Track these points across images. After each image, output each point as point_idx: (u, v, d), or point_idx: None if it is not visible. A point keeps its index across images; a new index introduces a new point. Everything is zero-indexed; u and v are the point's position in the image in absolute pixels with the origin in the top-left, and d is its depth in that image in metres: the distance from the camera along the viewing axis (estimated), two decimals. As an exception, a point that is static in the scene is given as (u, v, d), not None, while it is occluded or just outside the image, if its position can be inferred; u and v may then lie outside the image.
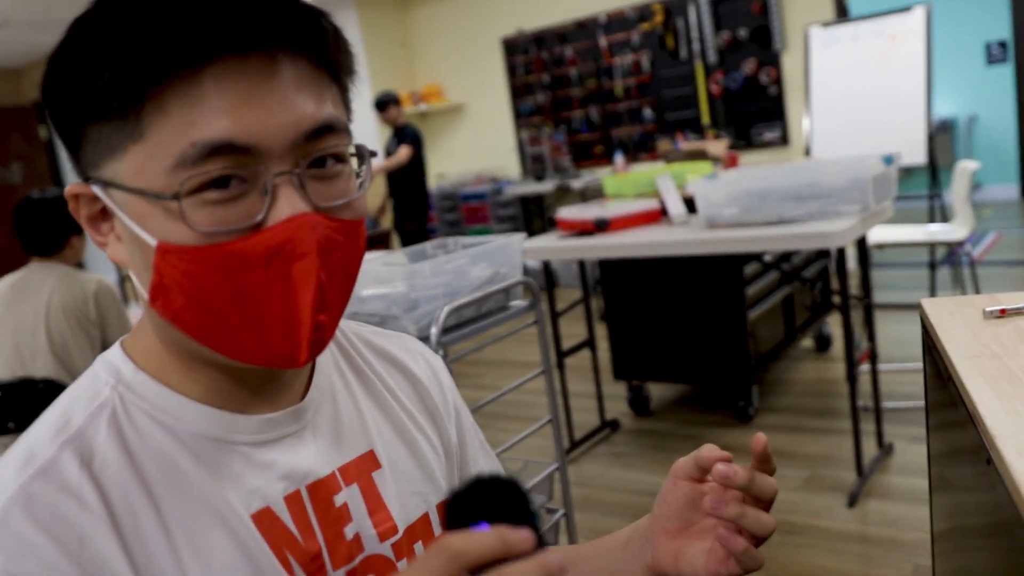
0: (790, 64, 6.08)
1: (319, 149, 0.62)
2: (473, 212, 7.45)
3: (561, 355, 3.57)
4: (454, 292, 1.90)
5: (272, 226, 0.60)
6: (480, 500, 0.52)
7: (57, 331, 2.74)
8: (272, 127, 0.59)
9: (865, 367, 3.04)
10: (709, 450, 0.70)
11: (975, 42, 8.29)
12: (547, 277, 3.68)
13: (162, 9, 0.57)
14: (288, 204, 0.60)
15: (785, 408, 3.69)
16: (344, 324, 0.82)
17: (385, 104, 6.08)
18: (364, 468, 0.73)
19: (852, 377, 2.84)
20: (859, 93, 4.85)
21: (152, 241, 0.60)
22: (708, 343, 3.55)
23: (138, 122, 0.58)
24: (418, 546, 0.74)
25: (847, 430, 2.99)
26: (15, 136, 8.65)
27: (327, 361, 0.76)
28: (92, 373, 0.68)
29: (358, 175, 0.66)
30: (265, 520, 0.65)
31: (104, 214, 0.65)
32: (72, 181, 0.66)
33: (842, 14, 5.80)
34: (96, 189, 0.63)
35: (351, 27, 7.55)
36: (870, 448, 3.04)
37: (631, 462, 3.40)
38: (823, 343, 4.35)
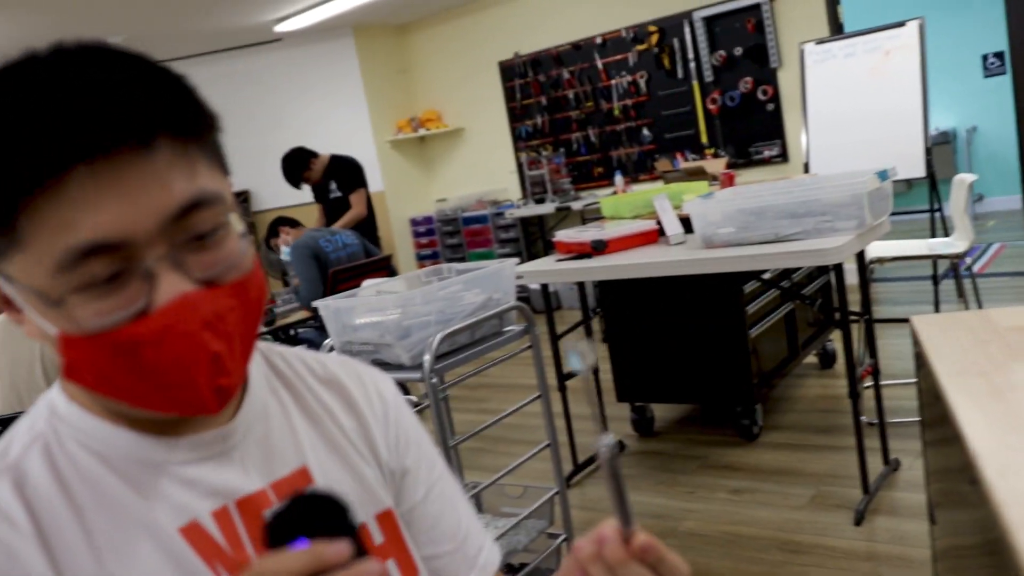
0: (786, 81, 6.09)
1: (192, 225, 0.63)
2: (475, 236, 7.46)
3: (563, 378, 3.56)
4: (447, 319, 1.89)
5: (157, 310, 0.62)
6: (298, 517, 0.53)
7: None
8: (138, 218, 0.60)
9: (868, 382, 3.01)
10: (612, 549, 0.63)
11: (972, 54, 8.31)
12: (546, 300, 3.67)
13: (18, 122, 0.58)
14: (169, 285, 0.62)
15: (790, 426, 3.66)
16: (287, 350, 0.86)
17: (298, 171, 5.55)
18: (298, 483, 0.77)
19: (854, 393, 2.82)
20: (856, 108, 4.85)
21: (53, 330, 0.63)
22: (710, 362, 3.53)
23: (14, 232, 0.60)
24: None
25: (852, 447, 2.96)
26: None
27: (260, 384, 0.79)
28: (34, 410, 0.72)
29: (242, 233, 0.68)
30: (193, 534, 0.69)
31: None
32: None
33: (836, 30, 5.81)
34: (1, 281, 0.65)
35: (349, 54, 7.60)
36: (876, 464, 3.01)
37: (636, 484, 3.37)
38: (827, 360, 4.33)
